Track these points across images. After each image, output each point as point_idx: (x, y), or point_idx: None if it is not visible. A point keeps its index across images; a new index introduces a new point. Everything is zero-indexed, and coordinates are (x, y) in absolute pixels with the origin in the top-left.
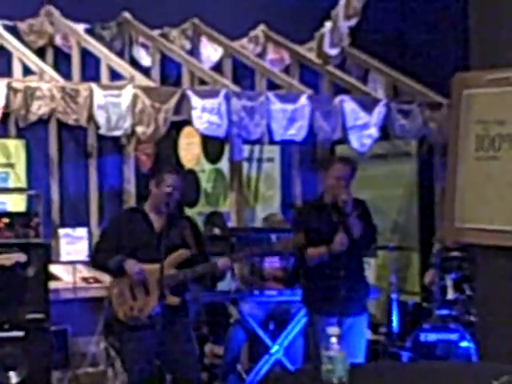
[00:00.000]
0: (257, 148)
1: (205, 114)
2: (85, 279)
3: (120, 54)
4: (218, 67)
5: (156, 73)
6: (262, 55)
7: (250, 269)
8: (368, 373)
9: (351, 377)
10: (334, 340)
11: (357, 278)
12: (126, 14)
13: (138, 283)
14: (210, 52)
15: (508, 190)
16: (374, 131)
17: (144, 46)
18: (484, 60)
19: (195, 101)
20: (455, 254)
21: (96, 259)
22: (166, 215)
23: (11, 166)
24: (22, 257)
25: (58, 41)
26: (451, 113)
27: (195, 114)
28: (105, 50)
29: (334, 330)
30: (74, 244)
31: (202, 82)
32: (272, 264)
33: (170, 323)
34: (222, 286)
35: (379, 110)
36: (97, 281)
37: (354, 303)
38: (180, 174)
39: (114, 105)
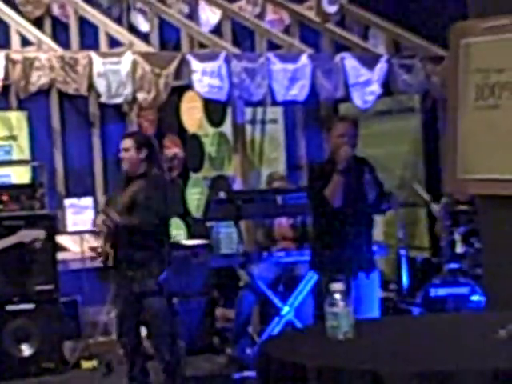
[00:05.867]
0: (259, 110)
1: (205, 78)
2: (93, 249)
3: (118, 21)
4: (217, 30)
5: (155, 38)
6: (261, 16)
7: (264, 232)
8: (373, 327)
9: (356, 332)
10: (337, 296)
11: (364, 241)
12: None
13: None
14: (209, 15)
15: (510, 138)
16: (376, 87)
17: (142, 11)
18: (481, 8)
19: (195, 64)
20: (463, 207)
21: None
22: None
23: (14, 138)
24: (41, 233)
25: (55, 10)
26: (450, 63)
27: (196, 77)
28: (103, 18)
29: (337, 286)
30: (80, 214)
31: (202, 46)
32: (280, 223)
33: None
34: (230, 249)
35: (381, 66)
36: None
37: (359, 265)
38: (128, 136)
39: (114, 72)
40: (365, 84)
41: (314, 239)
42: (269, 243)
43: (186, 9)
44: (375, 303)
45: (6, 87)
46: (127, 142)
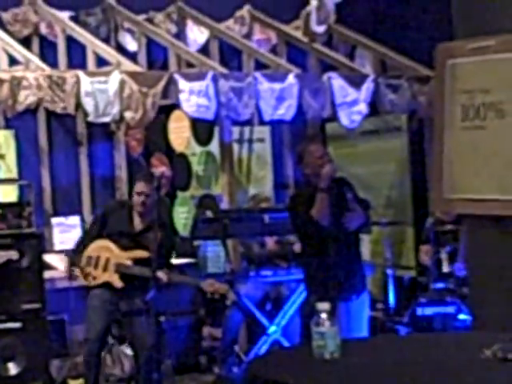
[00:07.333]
0: (247, 129)
1: (193, 97)
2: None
3: (106, 41)
4: (204, 49)
5: (142, 57)
6: (248, 36)
7: (259, 245)
8: (359, 347)
9: (343, 352)
10: (324, 316)
11: (354, 261)
12: (111, 0)
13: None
14: (196, 34)
15: (495, 159)
16: (363, 107)
17: (130, 31)
18: (467, 29)
19: (183, 84)
20: (449, 227)
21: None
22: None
23: (1, 156)
24: (14, 254)
25: (43, 29)
26: (436, 83)
27: (183, 97)
28: (90, 37)
29: (323, 305)
30: (67, 232)
31: (189, 65)
32: (267, 242)
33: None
34: (217, 268)
35: (367, 86)
36: None
37: (351, 287)
38: (148, 181)
39: (102, 91)
40: (351, 103)
41: (304, 262)
42: (267, 254)
43: (173, 28)
44: (365, 324)
45: None
46: (149, 188)
